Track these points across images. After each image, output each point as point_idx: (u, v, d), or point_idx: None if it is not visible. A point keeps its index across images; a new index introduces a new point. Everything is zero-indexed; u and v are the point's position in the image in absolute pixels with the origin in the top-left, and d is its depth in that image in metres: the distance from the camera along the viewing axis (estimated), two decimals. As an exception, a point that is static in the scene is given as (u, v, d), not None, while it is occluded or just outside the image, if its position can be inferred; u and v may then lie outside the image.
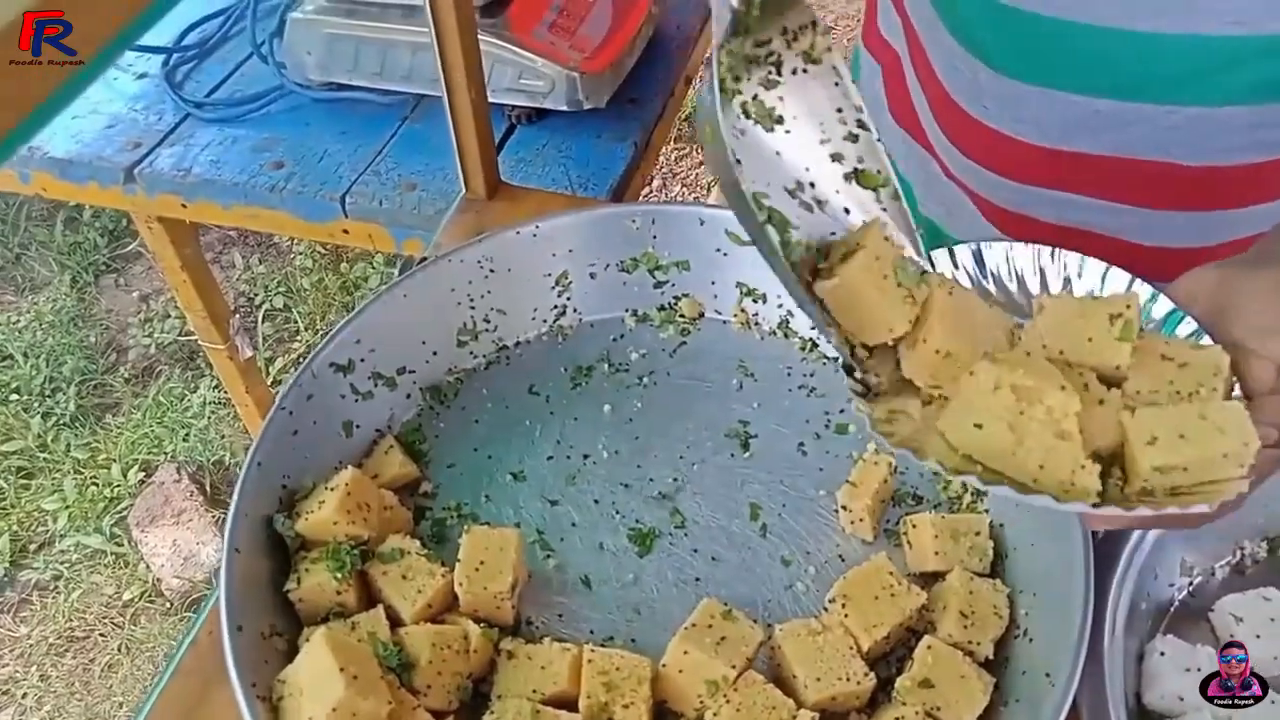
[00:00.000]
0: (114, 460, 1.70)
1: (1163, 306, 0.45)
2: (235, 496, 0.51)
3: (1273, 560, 0.56)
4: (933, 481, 0.59)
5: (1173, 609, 0.54)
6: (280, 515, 0.52)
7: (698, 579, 0.55)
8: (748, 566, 0.56)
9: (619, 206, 0.66)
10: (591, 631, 0.53)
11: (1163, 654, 0.50)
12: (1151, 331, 0.44)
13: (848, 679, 0.47)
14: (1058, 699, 0.43)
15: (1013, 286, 0.49)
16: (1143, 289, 0.47)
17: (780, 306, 0.66)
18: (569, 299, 0.67)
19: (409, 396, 0.63)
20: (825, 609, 0.51)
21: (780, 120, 0.45)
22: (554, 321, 0.67)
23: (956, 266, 0.49)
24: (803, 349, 0.66)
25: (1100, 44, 0.55)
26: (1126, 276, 0.47)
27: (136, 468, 1.69)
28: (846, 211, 0.47)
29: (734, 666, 0.47)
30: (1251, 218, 0.61)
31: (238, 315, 1.19)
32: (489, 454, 0.61)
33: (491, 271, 0.65)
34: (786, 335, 0.66)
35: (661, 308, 0.68)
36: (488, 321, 0.65)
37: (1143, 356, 0.43)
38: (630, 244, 0.67)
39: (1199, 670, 0.49)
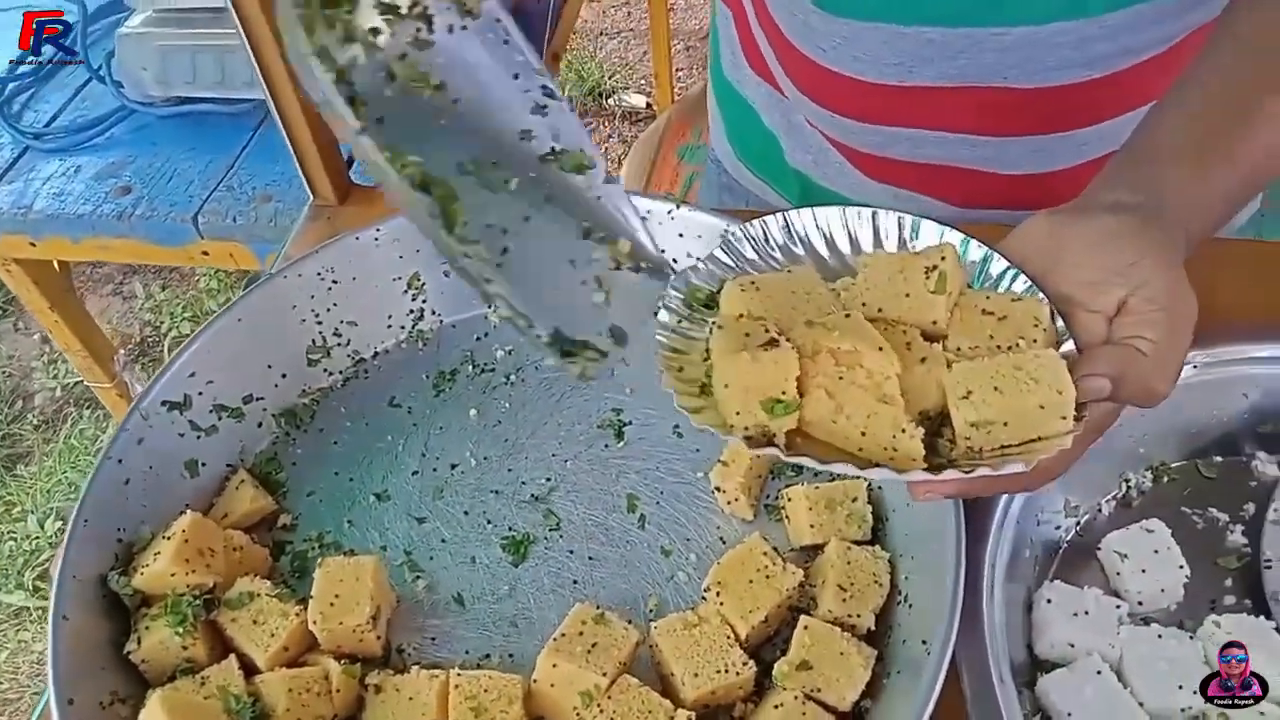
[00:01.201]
0: (29, 512, 1.64)
1: (998, 265, 0.43)
2: (59, 560, 0.47)
3: (1158, 489, 0.55)
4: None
5: (1061, 551, 0.53)
6: (115, 573, 0.49)
7: (575, 582, 0.53)
8: (627, 562, 0.53)
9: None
10: (467, 652, 0.50)
11: (1049, 601, 0.48)
12: (974, 288, 0.42)
13: (726, 670, 0.45)
14: (933, 666, 0.42)
15: (823, 249, 0.46)
16: (966, 243, 0.44)
17: (647, 284, 0.63)
18: (425, 302, 0.63)
19: (260, 425, 0.59)
20: (703, 598, 0.49)
21: (441, 88, 0.39)
22: (412, 327, 0.64)
23: (767, 239, 0.47)
24: (674, 326, 0.63)
25: None
26: (938, 230, 0.45)
27: (54, 517, 1.62)
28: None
29: (606, 674, 0.45)
30: (1093, 138, 0.60)
31: (123, 351, 1.14)
32: (350, 476, 0.58)
33: (335, 283, 0.61)
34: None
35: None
36: (338, 335, 0.61)
37: (963, 312, 0.41)
38: (483, 237, 0.63)
39: (1086, 613, 0.48)
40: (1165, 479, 0.55)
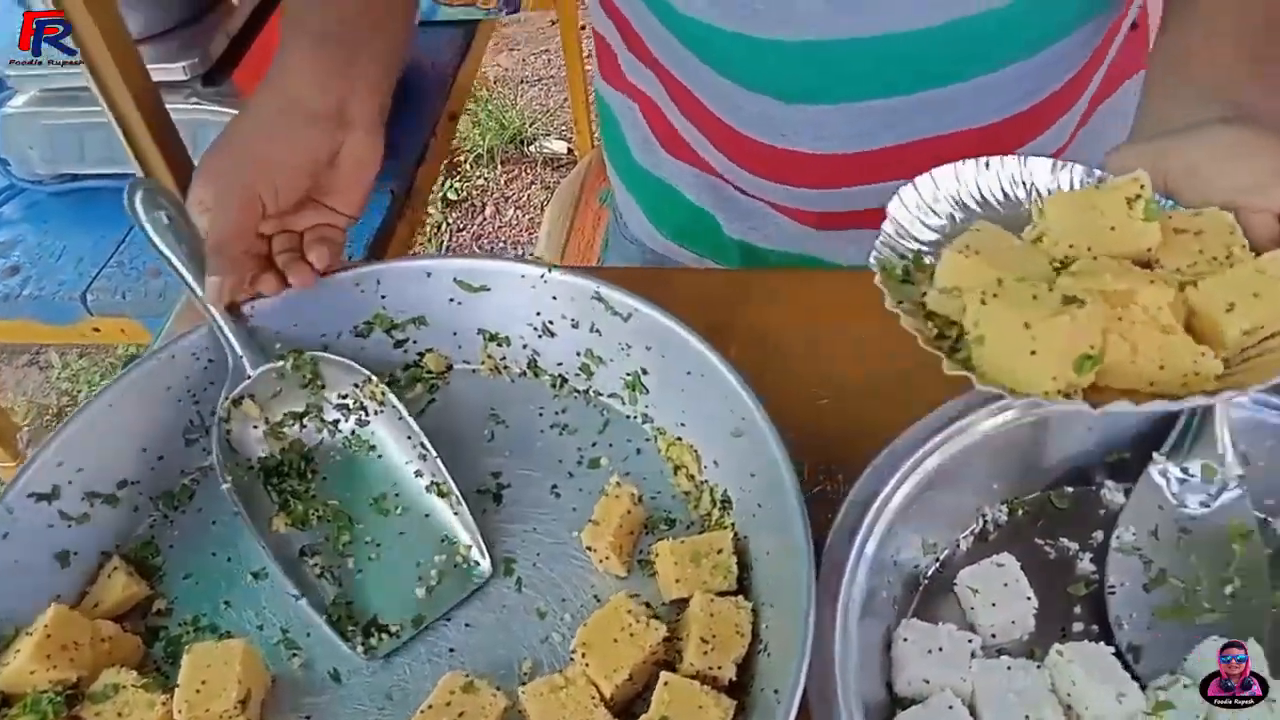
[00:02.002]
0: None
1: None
2: (-86, 665, 0.47)
3: (1013, 522, 0.57)
4: (684, 502, 0.58)
5: (921, 588, 0.55)
6: (-25, 673, 0.48)
7: (451, 649, 0.53)
8: (503, 626, 0.54)
9: (340, 274, 0.63)
10: (342, 728, 0.51)
11: (906, 639, 0.50)
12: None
13: (590, 732, 0.46)
14: (781, 713, 0.43)
15: (958, 211, 0.50)
16: (1091, 173, 0.48)
17: (525, 347, 0.65)
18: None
19: (136, 509, 0.59)
20: (571, 659, 0.50)
21: (374, 448, 0.61)
22: (290, 402, 0.64)
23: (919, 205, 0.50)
24: (553, 386, 0.65)
25: (879, 50, 0.58)
26: (1047, 162, 0.49)
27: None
28: None
29: (471, 744, 0.46)
30: (1034, 148, 0.67)
31: (26, 429, 1.12)
32: (229, 556, 0.58)
33: (211, 361, 0.62)
34: (536, 374, 0.65)
35: (406, 367, 0.66)
36: (214, 414, 0.62)
37: (1162, 235, 0.44)
38: (360, 308, 0.64)
39: (940, 649, 0.50)
40: (1020, 512, 0.57)
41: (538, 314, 0.63)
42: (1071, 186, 0.49)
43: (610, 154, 0.86)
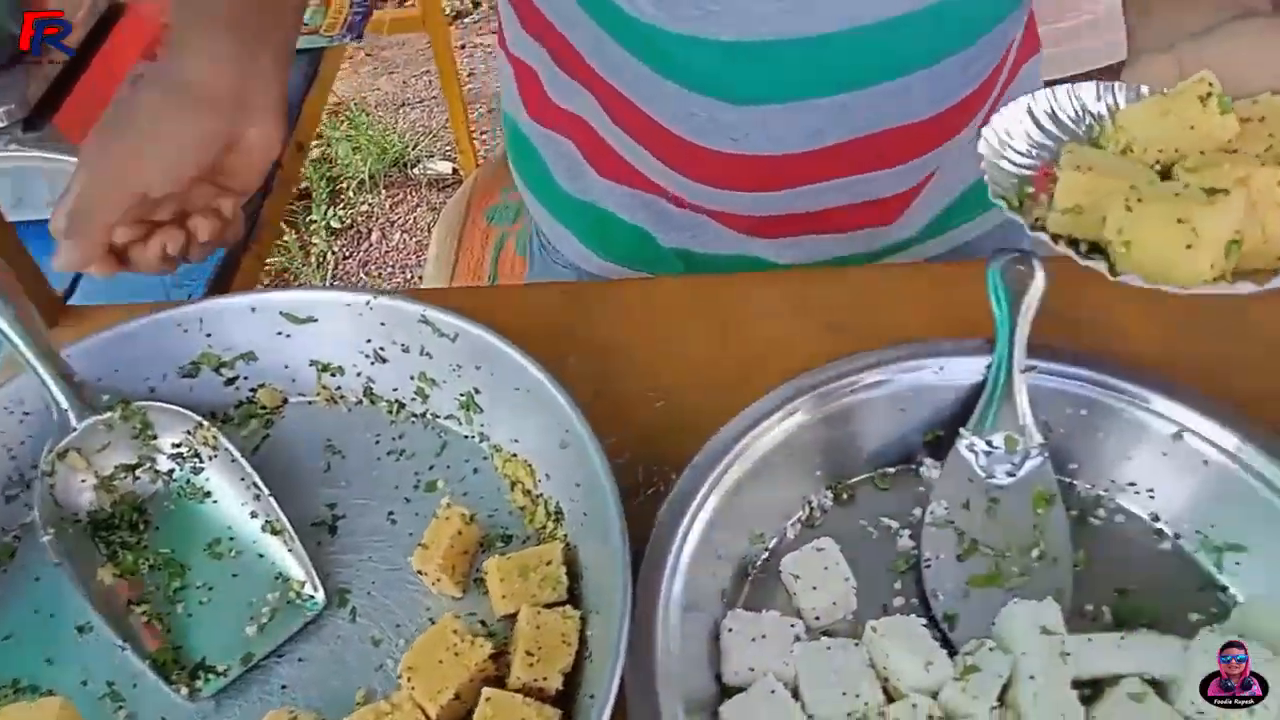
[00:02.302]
0: None
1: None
2: None
3: (838, 507, 0.59)
4: (520, 517, 0.59)
5: (750, 579, 0.56)
6: None
7: (284, 686, 0.53)
8: (337, 658, 0.54)
9: (159, 314, 0.62)
10: (172, 778, 0.50)
11: (731, 630, 0.52)
12: None
13: (417, 754, 0.46)
14: (594, 717, 0.44)
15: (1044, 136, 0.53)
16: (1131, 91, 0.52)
17: (359, 375, 0.64)
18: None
19: (-48, 574, 0.57)
20: (399, 685, 0.50)
21: (209, 494, 0.61)
22: (116, 451, 0.63)
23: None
24: (390, 412, 0.64)
25: (831, 47, 0.60)
26: (1092, 85, 0.53)
27: None
28: None
29: (294, 778, 0.45)
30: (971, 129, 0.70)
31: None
32: (52, 612, 0.56)
33: (27, 414, 0.60)
34: (372, 402, 0.65)
35: (239, 404, 0.65)
36: (36, 468, 0.60)
37: None
38: (185, 348, 0.63)
39: (764, 636, 0.51)
40: (844, 496, 0.59)
41: (368, 341, 0.63)
42: (1117, 104, 0.53)
43: (531, 187, 0.85)
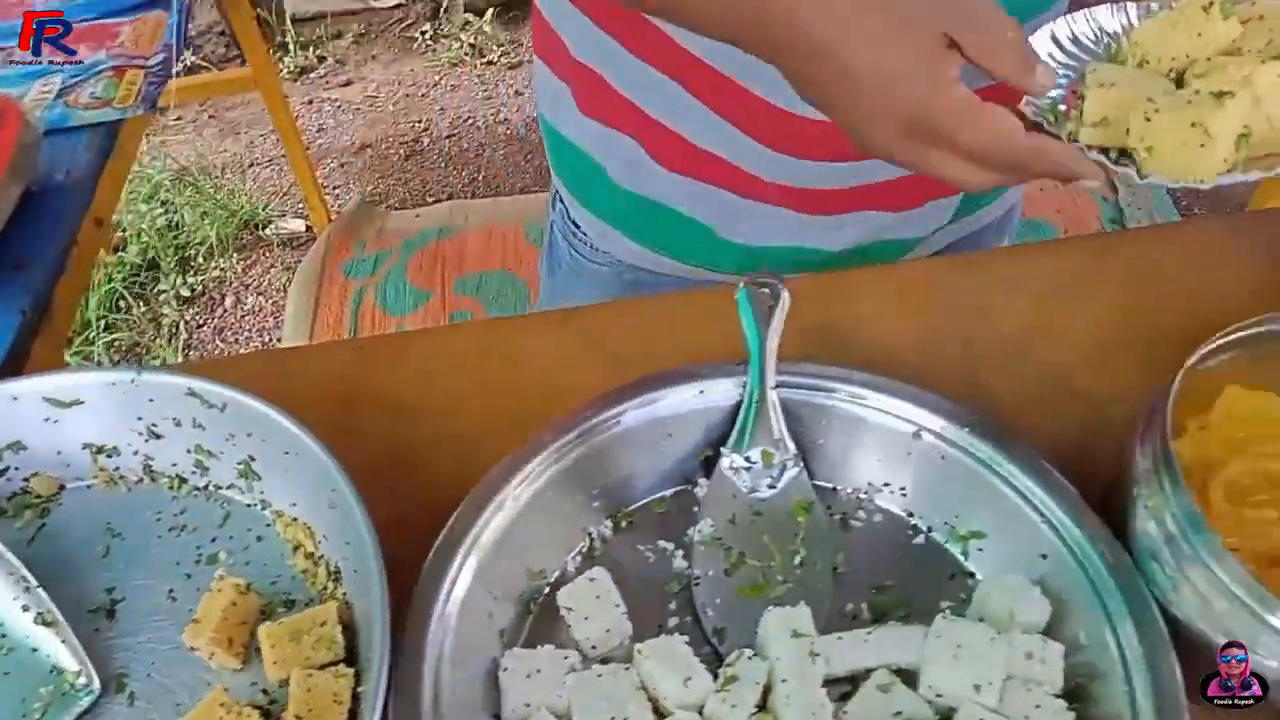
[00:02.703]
0: None
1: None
2: None
3: (617, 535, 0.61)
4: (303, 580, 0.59)
5: (532, 616, 0.57)
6: None
7: (55, 785, 0.52)
8: (114, 746, 0.53)
9: (-91, 412, 0.60)
10: None
11: (507, 669, 0.53)
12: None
13: (181, 835, 0.46)
14: (350, 774, 0.44)
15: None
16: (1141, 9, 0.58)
17: (136, 454, 0.63)
18: (-111, 526, 0.61)
19: None
20: (167, 766, 0.49)
21: None
22: (-121, 555, 0.61)
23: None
24: (172, 488, 0.64)
25: None
26: (1106, 7, 0.59)
27: None
28: None
29: None
30: None
31: None
32: None
33: None
34: (153, 479, 0.64)
35: (12, 496, 0.64)
36: None
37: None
38: (-57, 444, 0.62)
39: (539, 672, 0.53)
40: (624, 523, 0.61)
41: (139, 419, 0.62)
42: (1130, 22, 0.59)
43: (576, 189, 0.86)
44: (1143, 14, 0.59)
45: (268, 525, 0.61)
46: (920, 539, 0.60)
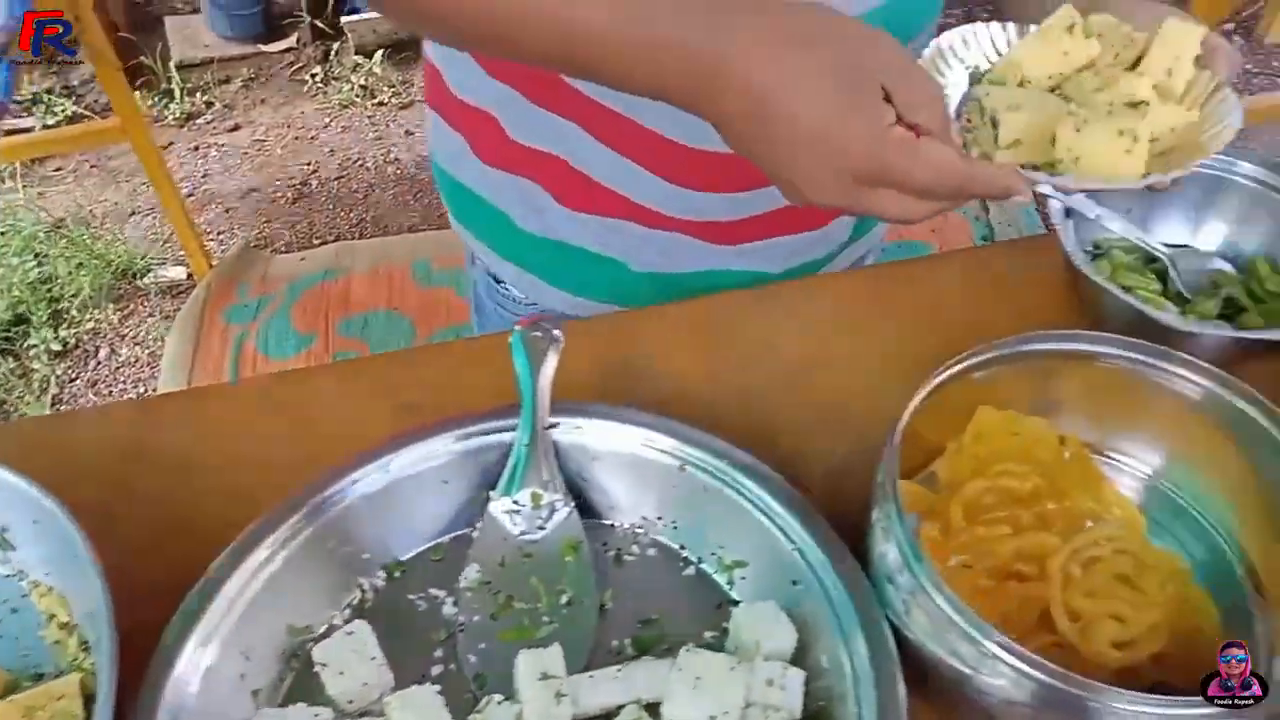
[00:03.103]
0: None
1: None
2: None
3: (390, 585, 0.60)
4: (55, 652, 0.57)
5: (294, 673, 0.56)
6: None
7: None
8: None
9: None
10: None
11: (262, 731, 0.52)
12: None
13: None
14: None
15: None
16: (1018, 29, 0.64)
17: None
18: None
19: None
20: None
21: None
22: None
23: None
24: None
25: None
26: (984, 26, 0.65)
27: None
28: None
29: None
30: None
31: None
32: None
33: None
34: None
35: None
36: None
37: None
38: None
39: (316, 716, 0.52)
40: (398, 573, 0.61)
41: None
42: (1009, 38, 0.65)
43: (484, 237, 0.85)
44: (1018, 31, 0.65)
45: (24, 595, 0.59)
46: (690, 570, 0.61)
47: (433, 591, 0.60)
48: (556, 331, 0.63)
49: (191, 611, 0.53)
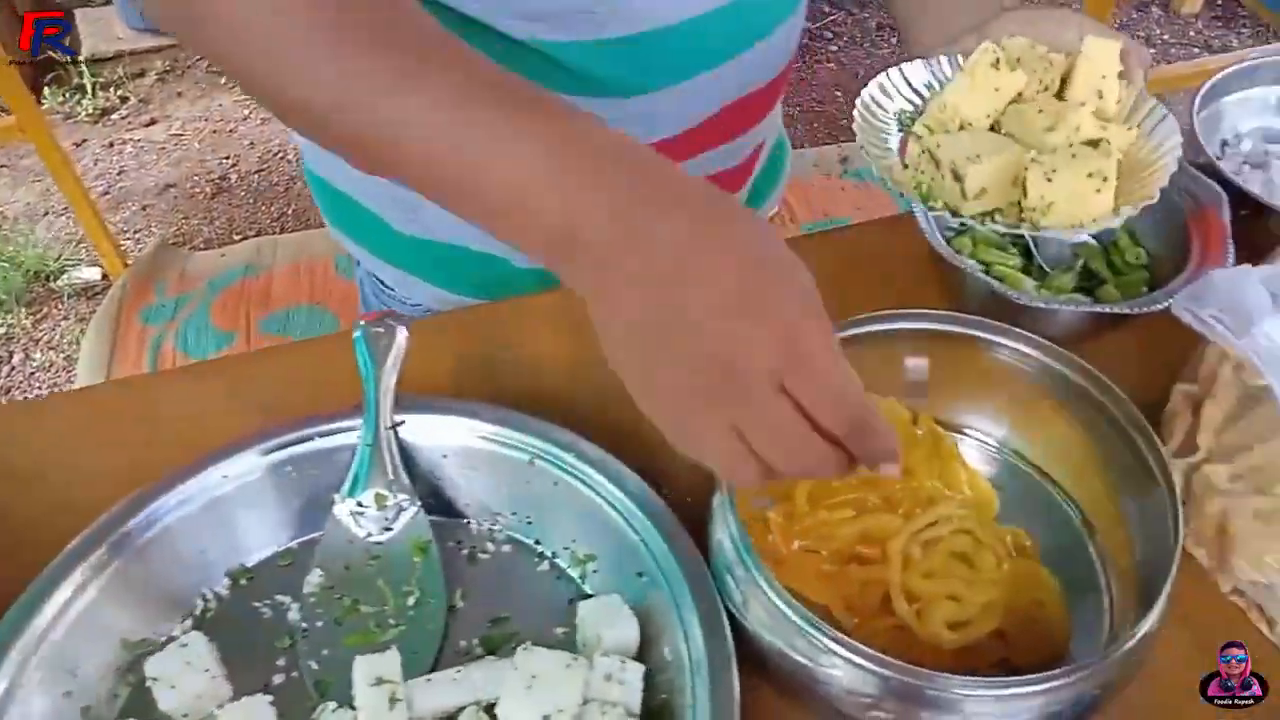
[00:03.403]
0: None
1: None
2: None
3: (235, 592, 0.59)
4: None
5: (130, 689, 0.55)
6: None
7: None
8: None
9: None
10: None
11: (79, 752, 0.50)
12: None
13: None
14: None
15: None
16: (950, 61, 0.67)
17: None
18: None
19: None
20: None
21: None
22: None
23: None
24: None
25: (706, 26, 0.67)
26: (920, 64, 0.67)
27: None
28: None
29: None
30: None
31: None
32: None
33: None
34: None
35: None
36: None
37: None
38: None
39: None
40: (244, 580, 0.59)
41: None
42: (945, 74, 0.67)
43: (361, 240, 0.82)
44: (950, 65, 0.67)
45: None
46: (545, 566, 0.60)
47: (279, 598, 0.58)
48: (401, 327, 0.62)
49: (10, 628, 0.51)
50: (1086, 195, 0.59)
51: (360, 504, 0.59)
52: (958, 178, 0.60)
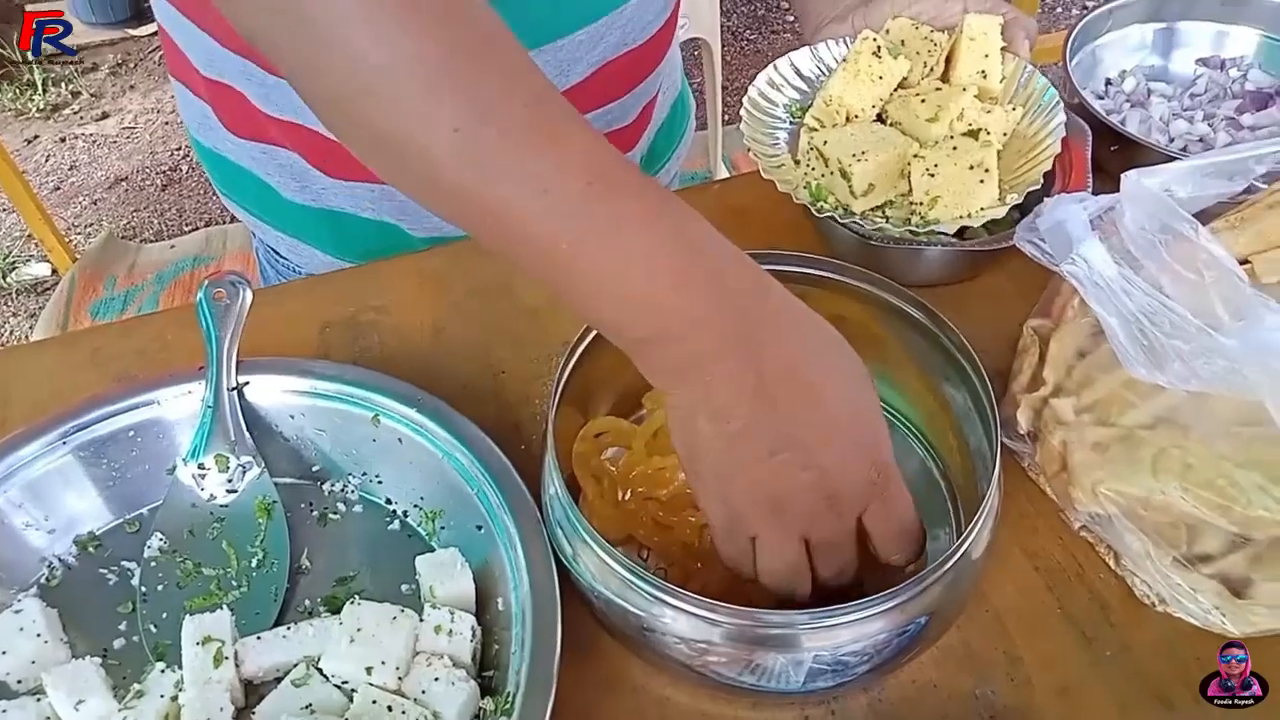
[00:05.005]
0: None
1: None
2: None
3: (84, 558, 0.58)
4: None
5: (-35, 659, 0.54)
6: None
7: None
8: None
9: None
10: None
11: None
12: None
13: None
14: None
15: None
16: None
17: None
18: None
19: None
20: None
21: None
22: None
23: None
24: None
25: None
26: (805, 50, 0.69)
27: None
28: None
29: None
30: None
31: None
32: None
33: None
34: None
35: None
36: None
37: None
38: None
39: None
40: (92, 547, 0.58)
41: None
42: (835, 59, 0.67)
43: (251, 209, 0.81)
44: (837, 53, 0.67)
45: None
46: (395, 524, 0.59)
47: (125, 564, 0.58)
48: (245, 289, 0.61)
49: None
50: (970, 186, 0.59)
51: (202, 466, 0.58)
52: (845, 175, 0.60)
